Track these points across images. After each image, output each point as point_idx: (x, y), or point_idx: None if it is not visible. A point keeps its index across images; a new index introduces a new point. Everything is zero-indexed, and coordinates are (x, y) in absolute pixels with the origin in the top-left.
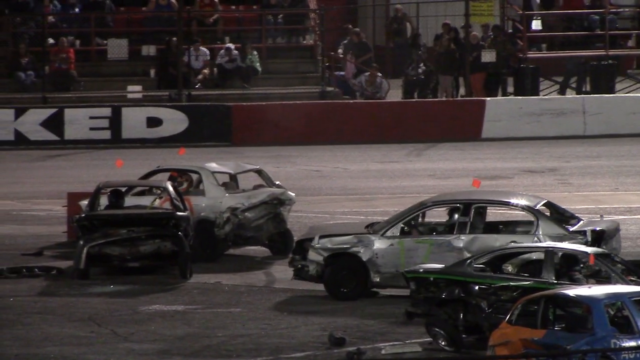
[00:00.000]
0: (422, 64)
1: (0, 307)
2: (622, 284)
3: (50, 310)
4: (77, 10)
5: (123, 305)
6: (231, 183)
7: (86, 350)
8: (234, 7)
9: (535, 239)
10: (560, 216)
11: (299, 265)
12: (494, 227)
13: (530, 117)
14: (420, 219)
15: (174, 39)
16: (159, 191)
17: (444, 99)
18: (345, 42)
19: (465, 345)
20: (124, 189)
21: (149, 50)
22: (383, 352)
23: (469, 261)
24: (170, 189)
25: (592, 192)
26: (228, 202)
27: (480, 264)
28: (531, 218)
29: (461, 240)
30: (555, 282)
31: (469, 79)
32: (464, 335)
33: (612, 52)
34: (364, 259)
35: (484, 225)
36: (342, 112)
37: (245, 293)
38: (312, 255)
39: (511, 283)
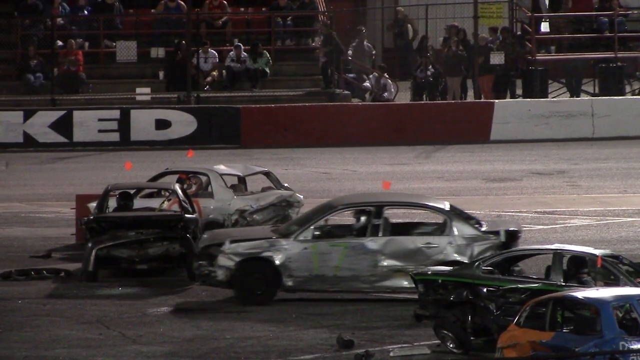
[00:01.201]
0: (430, 66)
1: (9, 309)
2: (630, 286)
3: (58, 312)
4: (85, 12)
5: (131, 308)
6: (239, 185)
7: (95, 352)
8: (242, 9)
9: (450, 239)
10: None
11: (206, 271)
12: (406, 229)
13: (539, 120)
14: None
15: (183, 41)
16: (167, 193)
17: (452, 101)
18: (354, 44)
19: (473, 348)
20: (132, 191)
21: (158, 52)
22: (391, 354)
23: (477, 263)
24: (179, 191)
25: (601, 194)
26: (236, 204)
27: (489, 266)
28: (443, 219)
29: (376, 243)
30: (564, 284)
31: (477, 81)
32: (472, 338)
33: (620, 55)
34: (277, 263)
35: (393, 228)
36: (350, 115)
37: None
38: (222, 260)
39: (519, 285)
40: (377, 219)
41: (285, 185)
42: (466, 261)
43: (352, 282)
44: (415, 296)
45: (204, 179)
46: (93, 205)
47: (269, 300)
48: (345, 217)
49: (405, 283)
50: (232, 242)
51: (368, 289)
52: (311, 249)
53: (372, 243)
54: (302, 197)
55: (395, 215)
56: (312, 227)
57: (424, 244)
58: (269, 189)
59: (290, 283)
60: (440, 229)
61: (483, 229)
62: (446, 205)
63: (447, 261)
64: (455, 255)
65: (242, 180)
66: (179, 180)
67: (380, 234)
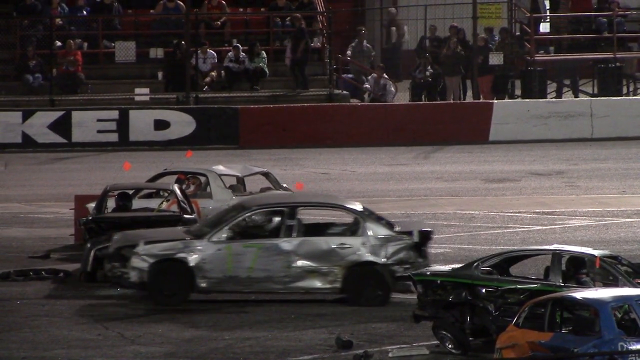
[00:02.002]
0: (429, 67)
1: (7, 309)
2: (629, 286)
3: (57, 313)
4: (84, 12)
5: (130, 308)
6: (238, 186)
7: (93, 353)
8: (241, 9)
9: (364, 240)
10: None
11: (119, 273)
12: (319, 230)
13: (538, 120)
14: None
15: (182, 42)
16: (166, 194)
17: (451, 101)
18: (353, 44)
19: (472, 348)
20: (131, 192)
21: (157, 52)
22: (390, 354)
23: (476, 264)
24: (177, 191)
25: (600, 194)
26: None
27: (487, 267)
28: (357, 220)
29: (289, 244)
30: (563, 284)
31: (476, 81)
32: (471, 338)
33: (619, 55)
34: (191, 264)
35: (307, 228)
36: (349, 115)
37: (253, 296)
38: (135, 262)
39: (518, 286)
40: (291, 220)
41: (284, 185)
42: (380, 261)
43: (266, 283)
44: (328, 297)
45: (202, 179)
46: (92, 205)
47: (182, 301)
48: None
49: (319, 284)
50: (147, 243)
51: (282, 290)
52: (225, 250)
53: (285, 244)
54: None
55: (316, 215)
56: (225, 228)
57: (337, 244)
58: (267, 189)
59: (204, 284)
60: (354, 230)
61: (396, 229)
62: (359, 206)
63: (360, 262)
64: (369, 255)
65: (240, 180)
66: (177, 181)
67: (294, 234)
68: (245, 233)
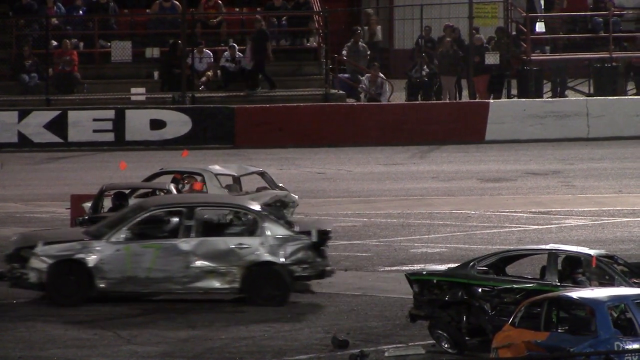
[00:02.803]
0: (425, 66)
1: (3, 309)
2: (625, 286)
3: (53, 312)
4: (80, 12)
5: (126, 308)
6: (234, 185)
7: (89, 352)
8: (237, 9)
9: (262, 239)
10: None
11: (18, 274)
12: (219, 230)
13: (534, 120)
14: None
15: (179, 41)
16: (161, 194)
17: (447, 101)
18: (349, 44)
19: (468, 348)
20: (127, 191)
21: (153, 52)
22: (386, 354)
23: (472, 263)
24: (174, 191)
25: (596, 194)
26: None
27: (483, 267)
28: (255, 220)
29: (188, 244)
30: (559, 284)
31: (472, 81)
32: (467, 338)
33: (615, 55)
34: (90, 265)
35: (207, 228)
36: (345, 115)
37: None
38: (34, 262)
39: (514, 285)
40: (189, 220)
41: (280, 185)
42: (278, 261)
43: (165, 284)
44: (227, 297)
45: (198, 179)
46: (88, 205)
47: (81, 302)
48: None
49: (218, 284)
50: (45, 244)
51: (181, 290)
52: (124, 250)
53: (184, 244)
54: (296, 197)
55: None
56: (124, 228)
57: (236, 244)
58: (263, 189)
59: (102, 285)
60: (253, 230)
61: (295, 229)
62: (257, 206)
63: (259, 262)
64: (268, 255)
65: (236, 180)
66: (173, 180)
67: (192, 235)
68: (144, 233)
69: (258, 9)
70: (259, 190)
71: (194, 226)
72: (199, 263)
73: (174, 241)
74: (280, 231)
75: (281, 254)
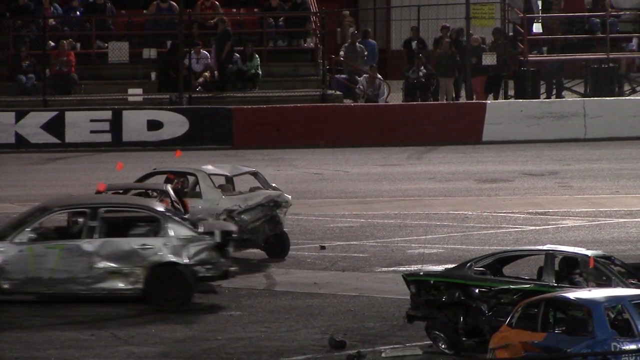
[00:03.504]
0: (422, 67)
1: (0, 310)
2: (622, 286)
3: (50, 313)
4: (78, 13)
5: (123, 308)
6: (227, 185)
7: (86, 353)
8: (234, 10)
9: (166, 240)
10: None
11: None
12: (122, 231)
13: (531, 120)
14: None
15: (176, 42)
16: (155, 194)
17: (444, 102)
18: (346, 45)
19: (465, 349)
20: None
21: (150, 53)
22: (383, 355)
23: (469, 264)
24: (171, 191)
25: (593, 195)
26: (225, 204)
27: (481, 267)
28: (159, 221)
29: (91, 245)
30: (556, 285)
31: (469, 82)
32: (464, 338)
33: (612, 55)
34: None
35: (111, 229)
36: (342, 115)
37: (246, 296)
38: None
39: (511, 286)
40: (93, 221)
41: (273, 185)
42: (182, 262)
43: (68, 284)
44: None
45: (192, 179)
46: None
47: None
48: None
49: (121, 285)
50: None
51: (84, 290)
52: (27, 251)
53: (87, 245)
54: (290, 197)
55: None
56: (27, 229)
57: (139, 245)
58: (257, 189)
59: (6, 286)
60: (156, 231)
61: (199, 230)
62: (161, 207)
63: (162, 262)
64: (171, 256)
65: (229, 180)
66: (167, 181)
67: (95, 235)
68: (47, 234)
69: (255, 10)
70: (252, 190)
71: (97, 227)
72: (102, 264)
73: (78, 242)
74: (184, 232)
75: (184, 255)
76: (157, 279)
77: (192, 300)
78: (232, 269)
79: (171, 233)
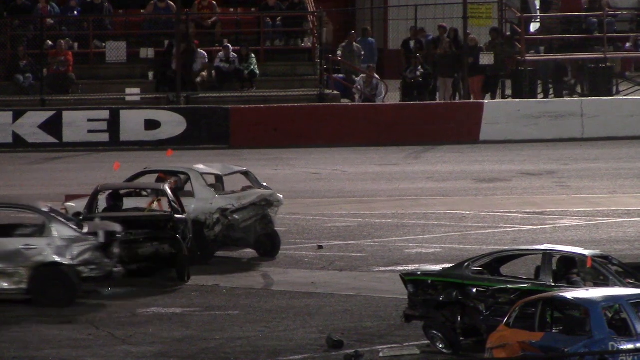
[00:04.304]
0: (420, 67)
1: None
2: (619, 286)
3: (48, 312)
4: (75, 13)
5: (121, 308)
6: (217, 184)
7: (84, 352)
8: (232, 9)
9: (50, 240)
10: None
11: None
12: (6, 231)
13: (529, 120)
14: None
15: (173, 42)
16: (144, 193)
17: (442, 101)
18: (344, 44)
19: (463, 348)
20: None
21: (148, 52)
22: (381, 354)
23: (466, 264)
24: (169, 191)
25: (590, 194)
26: (218, 203)
27: (478, 267)
28: (43, 221)
29: None
30: (553, 284)
31: (467, 81)
32: (461, 338)
33: (610, 55)
34: None
35: None
36: (340, 115)
37: (243, 296)
38: None
39: (509, 286)
40: None
41: (264, 184)
42: (65, 262)
43: None
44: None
45: (184, 178)
46: (71, 205)
47: None
48: None
49: (5, 285)
50: None
51: None
52: None
53: None
54: (282, 196)
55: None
56: None
57: (23, 245)
58: (249, 188)
59: None
60: (41, 231)
61: (83, 230)
62: (45, 207)
63: (46, 262)
64: (55, 256)
65: (219, 179)
66: (158, 180)
67: None
68: None
69: (252, 10)
70: (244, 189)
71: None
72: None
73: None
74: (68, 232)
75: (68, 255)
76: (40, 279)
77: (75, 300)
78: (116, 269)
79: (55, 233)
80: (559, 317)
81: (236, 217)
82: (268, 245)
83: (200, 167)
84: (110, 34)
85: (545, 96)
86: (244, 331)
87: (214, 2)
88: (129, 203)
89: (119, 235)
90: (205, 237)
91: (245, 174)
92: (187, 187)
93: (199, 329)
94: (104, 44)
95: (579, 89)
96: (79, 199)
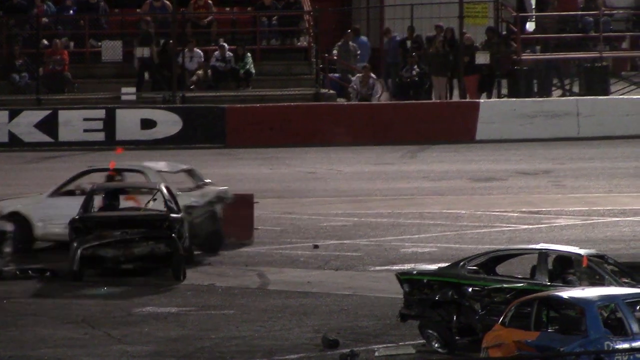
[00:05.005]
0: (415, 66)
1: None
2: (615, 285)
3: (44, 312)
4: (71, 12)
5: (117, 307)
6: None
7: (80, 352)
8: (228, 9)
9: None
10: None
11: None
12: None
13: (524, 119)
14: None
15: (170, 41)
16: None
17: (438, 100)
18: (340, 44)
19: (458, 347)
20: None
21: (143, 52)
22: (377, 353)
23: (462, 263)
24: (164, 190)
25: (586, 194)
26: (183, 200)
27: (474, 266)
28: None
29: None
30: (549, 284)
31: (463, 80)
32: (457, 337)
33: (606, 54)
34: None
35: None
36: (336, 114)
37: (239, 295)
38: None
39: (504, 285)
40: None
41: (208, 181)
42: None
43: None
44: None
45: (140, 176)
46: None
47: None
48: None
49: None
50: None
51: None
52: None
53: None
54: (232, 194)
55: None
56: None
57: None
58: (204, 185)
59: None
60: None
61: None
62: None
63: None
64: None
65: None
66: (108, 178)
67: None
68: None
69: (248, 9)
70: (199, 187)
71: None
72: None
73: None
74: None
75: None
76: None
77: None
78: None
79: None
80: (554, 316)
81: (196, 214)
82: (214, 241)
83: (153, 164)
84: (106, 33)
85: (541, 95)
86: (239, 330)
87: (210, 2)
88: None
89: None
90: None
91: (189, 172)
92: None
93: (195, 329)
94: (99, 43)
95: (574, 88)
96: (16, 198)
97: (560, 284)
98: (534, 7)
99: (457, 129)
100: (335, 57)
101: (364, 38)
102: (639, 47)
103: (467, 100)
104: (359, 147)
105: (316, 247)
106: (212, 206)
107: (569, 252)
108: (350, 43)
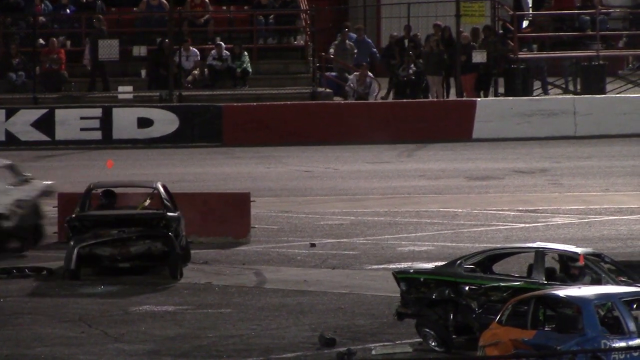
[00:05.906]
0: (412, 65)
1: None
2: (612, 284)
3: (40, 310)
4: (68, 10)
5: (114, 306)
6: None
7: (77, 350)
8: (224, 7)
9: None
10: None
11: None
12: None
13: (521, 118)
14: None
15: (167, 40)
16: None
17: (434, 99)
18: (336, 42)
19: (455, 346)
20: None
21: (140, 50)
22: (373, 352)
23: (459, 262)
24: (162, 189)
25: (583, 192)
26: (16, 194)
27: (471, 265)
28: None
29: None
30: (546, 282)
31: (459, 79)
32: (454, 336)
33: (602, 53)
34: None
35: None
36: (333, 113)
37: (236, 294)
38: None
39: (501, 284)
40: None
41: (28, 174)
42: None
43: None
44: None
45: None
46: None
47: None
48: None
49: None
50: None
51: None
52: None
53: None
54: (55, 189)
55: None
56: None
57: None
58: (31, 179)
59: None
60: None
61: None
62: None
63: None
64: None
65: None
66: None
67: None
68: None
69: (245, 7)
70: (26, 181)
71: None
72: None
73: None
74: None
75: None
76: None
77: None
78: None
79: None
80: (551, 315)
81: (26, 207)
82: (36, 234)
83: None
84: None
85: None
86: (236, 329)
87: (207, 0)
88: None
89: None
90: (4, 229)
91: (10, 167)
92: None
93: (192, 327)
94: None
95: (570, 87)
96: None
97: (557, 283)
98: (530, 5)
99: (454, 127)
100: (332, 56)
101: (352, 35)
102: (636, 46)
103: (464, 98)
104: (356, 146)
105: (313, 245)
106: (36, 199)
107: (566, 250)
108: (347, 42)
